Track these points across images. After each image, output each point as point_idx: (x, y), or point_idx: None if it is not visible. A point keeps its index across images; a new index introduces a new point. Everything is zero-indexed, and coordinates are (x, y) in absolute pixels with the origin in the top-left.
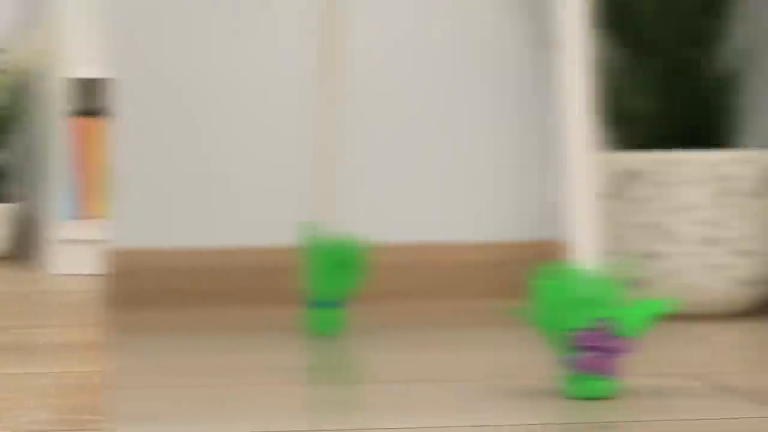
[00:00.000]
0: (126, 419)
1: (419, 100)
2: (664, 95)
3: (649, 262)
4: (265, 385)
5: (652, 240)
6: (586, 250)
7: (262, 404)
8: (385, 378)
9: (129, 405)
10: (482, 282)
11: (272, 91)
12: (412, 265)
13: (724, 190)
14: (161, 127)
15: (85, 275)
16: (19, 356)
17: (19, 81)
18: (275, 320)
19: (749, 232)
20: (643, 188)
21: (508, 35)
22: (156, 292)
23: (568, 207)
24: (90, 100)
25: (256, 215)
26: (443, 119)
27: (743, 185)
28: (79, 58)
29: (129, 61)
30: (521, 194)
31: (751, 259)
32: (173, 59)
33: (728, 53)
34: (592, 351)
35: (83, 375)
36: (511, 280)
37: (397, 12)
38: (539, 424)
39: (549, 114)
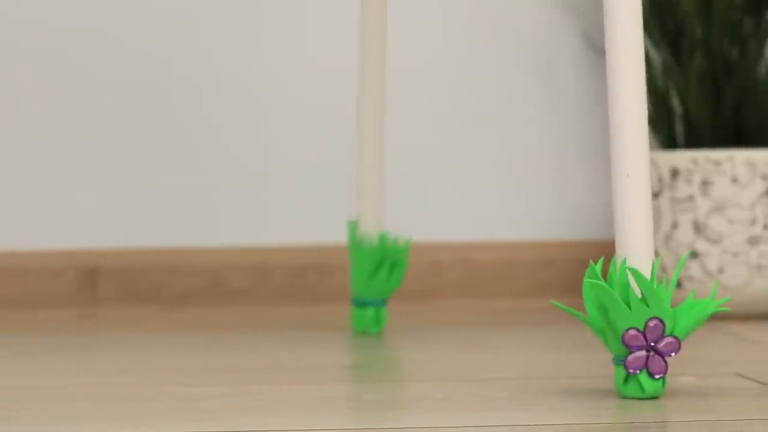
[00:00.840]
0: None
1: (465, 100)
2: (708, 95)
3: (693, 262)
4: (307, 384)
5: (695, 239)
6: (638, 249)
7: (304, 402)
8: (428, 377)
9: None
10: (531, 281)
11: (315, 90)
12: (456, 264)
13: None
14: (219, 128)
15: None
16: None
17: None
18: (319, 319)
19: None
20: (686, 187)
21: (556, 35)
22: (200, 290)
23: (619, 206)
24: None
25: (302, 215)
26: (490, 119)
27: None
28: None
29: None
30: (571, 193)
31: None
32: (235, 61)
33: None
34: (643, 351)
35: None
36: (561, 279)
37: (443, 10)
38: (587, 424)
39: (601, 113)
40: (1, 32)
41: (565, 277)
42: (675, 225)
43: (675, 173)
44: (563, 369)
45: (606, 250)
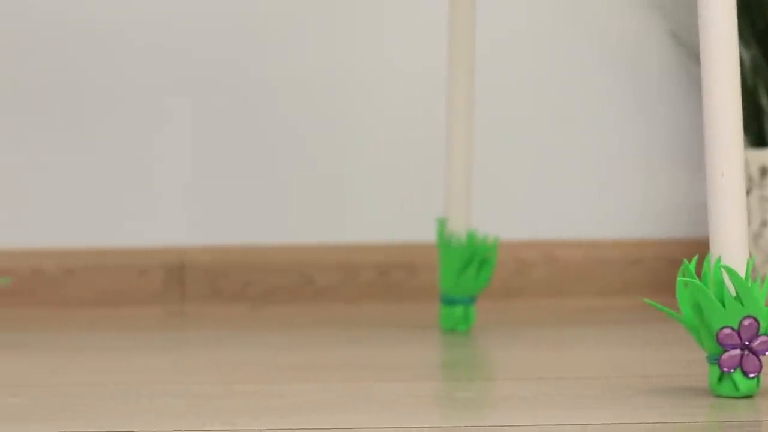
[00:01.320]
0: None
1: (551, 98)
2: None
3: None
4: (396, 381)
5: None
6: (732, 248)
7: (392, 399)
8: (516, 375)
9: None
10: (616, 280)
11: (403, 88)
12: (542, 262)
13: None
14: (299, 127)
15: None
16: None
17: None
18: (406, 317)
19: None
20: None
21: (643, 33)
22: (292, 287)
23: (714, 206)
24: None
25: (388, 213)
26: (576, 117)
27: None
28: None
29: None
30: (656, 192)
31: None
32: (308, 59)
33: None
34: (737, 349)
35: None
36: (647, 278)
37: (528, 8)
38: (680, 423)
39: (687, 111)
40: (89, 41)
41: (651, 275)
42: (764, 223)
43: (764, 171)
44: (653, 367)
45: (692, 248)
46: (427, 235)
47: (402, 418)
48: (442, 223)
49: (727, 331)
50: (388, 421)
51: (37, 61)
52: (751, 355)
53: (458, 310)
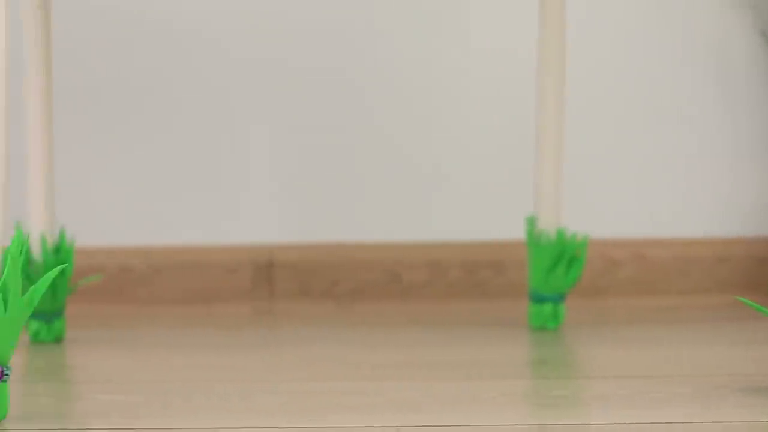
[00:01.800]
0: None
1: (639, 97)
2: None
3: None
4: (487, 380)
5: None
6: None
7: (484, 398)
8: (610, 373)
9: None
10: (704, 278)
11: (494, 84)
12: (630, 260)
13: None
14: (385, 126)
15: None
16: None
17: None
18: (494, 314)
19: None
20: None
21: (732, 32)
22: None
23: None
24: None
25: (475, 210)
26: (663, 116)
27: None
28: None
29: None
30: (744, 190)
31: None
32: (397, 57)
33: None
34: None
35: None
36: (735, 276)
37: (618, 7)
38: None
39: None
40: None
41: (739, 273)
42: None
43: None
44: (744, 366)
45: None
46: (514, 232)
47: (492, 416)
48: (531, 222)
49: None
50: (478, 419)
51: (137, 64)
52: None
53: (547, 307)
